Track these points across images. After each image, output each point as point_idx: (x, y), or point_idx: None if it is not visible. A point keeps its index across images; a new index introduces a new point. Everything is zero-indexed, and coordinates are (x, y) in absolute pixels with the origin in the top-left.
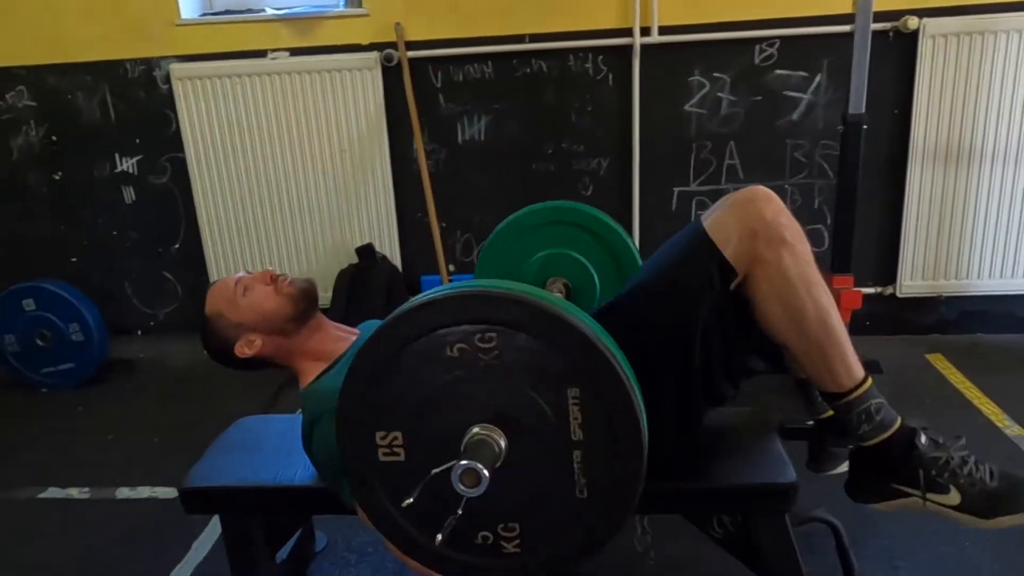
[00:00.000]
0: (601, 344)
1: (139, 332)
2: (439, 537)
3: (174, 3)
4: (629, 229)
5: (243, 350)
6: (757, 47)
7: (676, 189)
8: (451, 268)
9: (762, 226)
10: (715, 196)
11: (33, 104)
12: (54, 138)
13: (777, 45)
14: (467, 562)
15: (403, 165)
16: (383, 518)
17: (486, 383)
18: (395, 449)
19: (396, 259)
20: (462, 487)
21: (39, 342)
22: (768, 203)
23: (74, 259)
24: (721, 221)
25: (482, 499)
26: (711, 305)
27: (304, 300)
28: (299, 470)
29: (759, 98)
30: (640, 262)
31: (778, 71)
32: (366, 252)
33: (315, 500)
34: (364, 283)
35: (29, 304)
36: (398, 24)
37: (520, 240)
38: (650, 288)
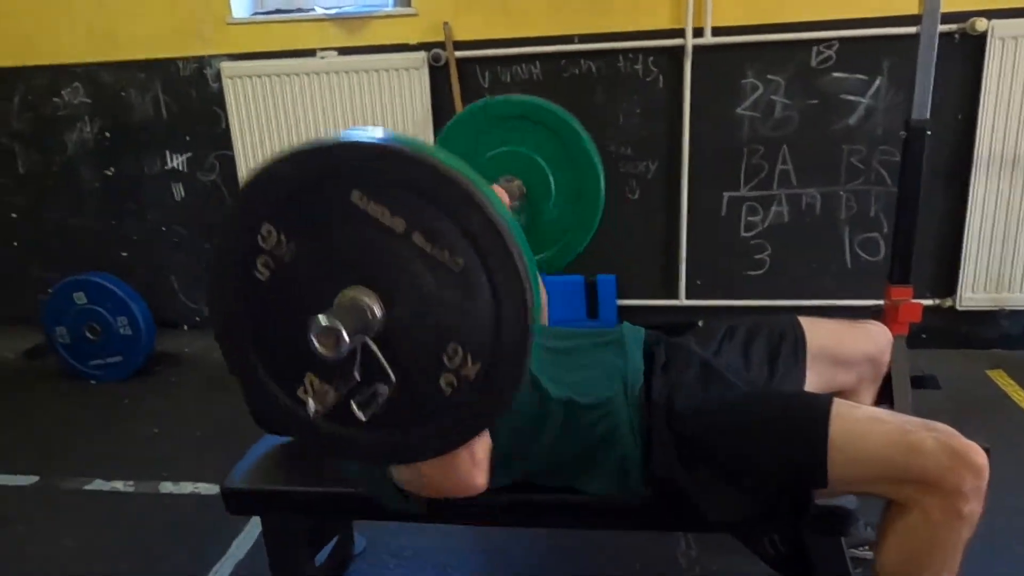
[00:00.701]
0: (496, 217)
1: (185, 327)
2: (311, 406)
3: (226, 2)
4: (676, 234)
5: None
6: (814, 49)
7: (726, 194)
8: None
9: (952, 493)
10: (766, 201)
11: (88, 101)
12: (107, 134)
13: (836, 47)
14: (336, 434)
15: None
16: (248, 374)
17: (370, 246)
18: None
19: None
20: (321, 351)
21: (88, 335)
22: (979, 477)
23: (124, 253)
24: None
25: (347, 365)
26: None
27: None
28: (341, 474)
29: (815, 101)
30: (600, 170)
31: (836, 74)
32: None
33: (357, 505)
34: None
35: (80, 297)
36: (446, 24)
37: (478, 134)
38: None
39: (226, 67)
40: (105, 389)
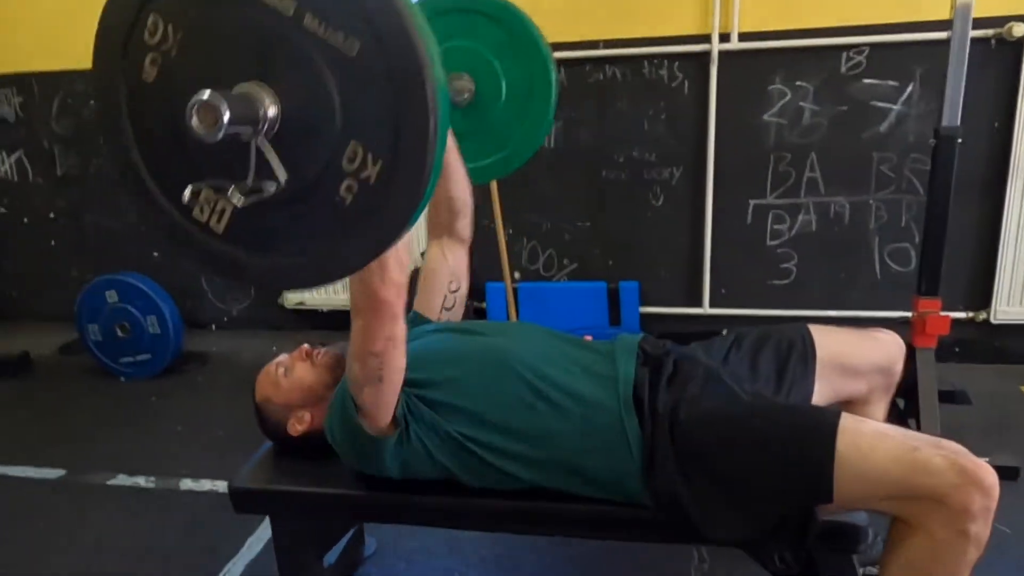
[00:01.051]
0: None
1: (213, 327)
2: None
3: None
4: (701, 242)
5: (295, 427)
6: (844, 54)
7: (752, 201)
8: (516, 275)
9: (959, 512)
10: (793, 209)
11: None
12: None
13: (866, 52)
14: (232, 255)
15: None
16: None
17: (260, 33)
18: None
19: None
20: (197, 125)
21: (119, 333)
22: (988, 497)
23: (156, 254)
24: (895, 457)
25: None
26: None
27: (339, 367)
28: (350, 475)
29: (844, 108)
30: (549, 60)
31: (866, 80)
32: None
33: (364, 507)
34: None
35: (112, 296)
36: None
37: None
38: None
39: None
40: (133, 386)
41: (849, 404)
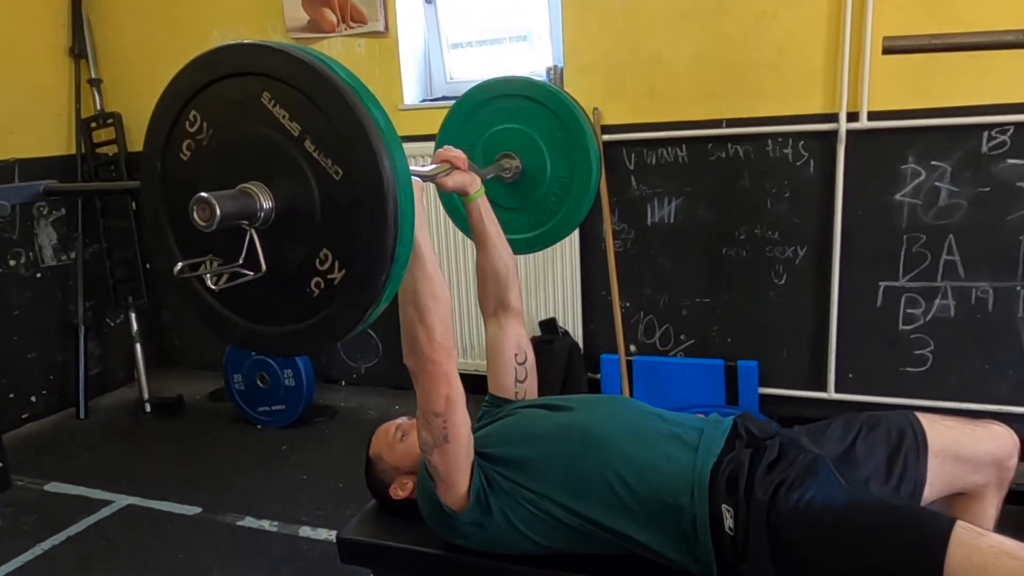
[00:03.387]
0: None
1: (343, 383)
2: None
3: (400, 92)
4: (826, 323)
5: (397, 492)
6: (985, 134)
7: (882, 284)
8: (632, 348)
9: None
10: (929, 293)
11: None
12: None
13: (1010, 132)
14: (224, 316)
15: (591, 243)
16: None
17: (270, 143)
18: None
19: (578, 335)
20: (196, 218)
21: (259, 383)
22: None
23: None
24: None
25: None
26: None
27: None
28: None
29: (986, 189)
30: (592, 142)
31: (1011, 160)
32: (549, 326)
33: (462, 569)
34: (544, 357)
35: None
36: (596, 109)
37: (477, 114)
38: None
39: None
40: (268, 434)
41: (962, 498)
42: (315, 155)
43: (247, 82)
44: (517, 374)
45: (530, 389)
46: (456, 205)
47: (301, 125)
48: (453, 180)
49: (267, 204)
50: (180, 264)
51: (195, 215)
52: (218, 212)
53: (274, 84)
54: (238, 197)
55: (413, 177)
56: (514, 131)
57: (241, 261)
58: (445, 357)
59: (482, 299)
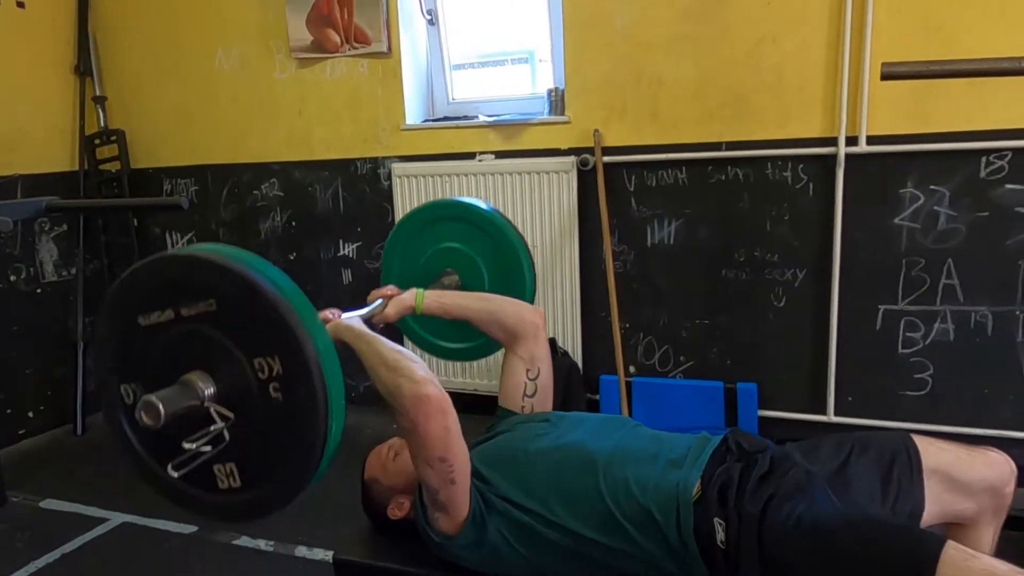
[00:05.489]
0: (289, 314)
1: None
2: (169, 467)
3: (402, 112)
4: (825, 346)
5: (395, 512)
6: (984, 159)
7: (881, 307)
8: (631, 369)
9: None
10: (928, 317)
11: (281, 194)
12: (293, 223)
13: (1009, 157)
14: (190, 494)
15: (591, 264)
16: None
17: (198, 340)
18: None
19: (577, 356)
20: (144, 419)
21: None
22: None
23: None
24: None
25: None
26: None
27: None
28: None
29: (985, 214)
30: (525, 258)
31: (1009, 185)
32: (548, 346)
33: None
34: None
35: None
36: (597, 131)
37: (417, 236)
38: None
39: (396, 167)
40: None
41: (956, 527)
42: (192, 312)
43: (118, 326)
44: (526, 389)
45: (539, 404)
46: (416, 330)
47: (170, 306)
48: (393, 307)
49: (207, 385)
50: (171, 466)
51: (143, 417)
52: (161, 412)
53: (137, 305)
54: (180, 388)
55: (355, 317)
56: (453, 250)
57: (218, 425)
58: (434, 388)
59: (491, 337)
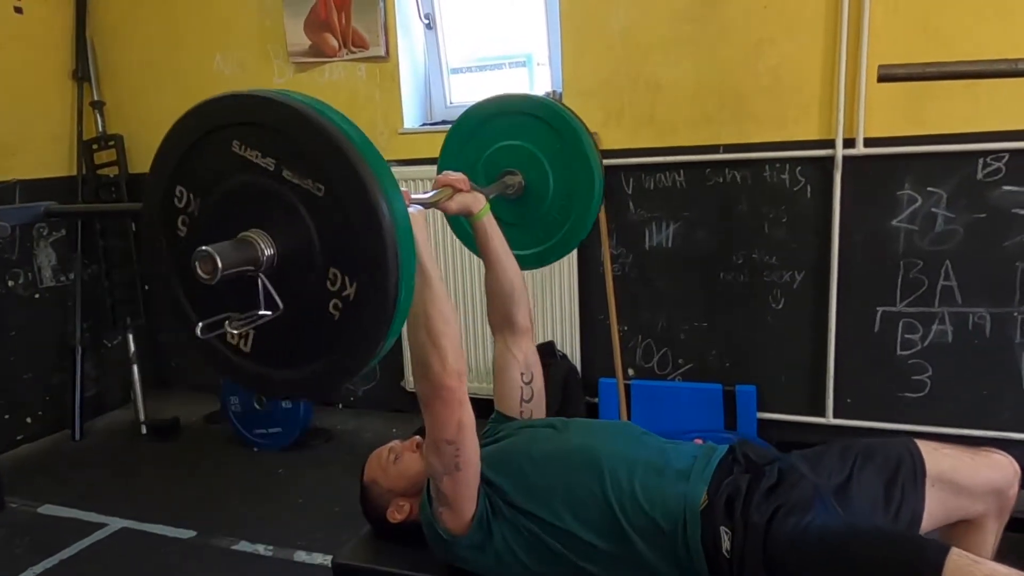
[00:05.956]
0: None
1: (340, 405)
2: (199, 325)
3: (400, 116)
4: (824, 348)
5: (394, 515)
6: (980, 160)
7: (880, 309)
8: (630, 372)
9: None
10: (926, 319)
11: None
12: None
13: (1006, 159)
14: (256, 372)
15: (590, 267)
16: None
17: (253, 187)
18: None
19: (576, 359)
20: (200, 272)
21: (256, 405)
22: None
23: None
24: None
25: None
26: None
27: None
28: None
29: (982, 215)
30: (591, 150)
31: (1006, 187)
32: (547, 349)
33: None
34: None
35: None
36: (595, 134)
37: (477, 133)
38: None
39: (395, 171)
40: (264, 456)
41: (961, 527)
42: (295, 180)
43: (213, 139)
44: (523, 393)
45: (536, 409)
46: (463, 226)
47: (274, 158)
48: (456, 203)
49: (268, 248)
50: (200, 324)
51: (198, 269)
52: (219, 263)
53: (238, 129)
54: (238, 247)
55: (415, 206)
56: (514, 147)
57: (261, 308)
58: (458, 382)
59: (491, 316)
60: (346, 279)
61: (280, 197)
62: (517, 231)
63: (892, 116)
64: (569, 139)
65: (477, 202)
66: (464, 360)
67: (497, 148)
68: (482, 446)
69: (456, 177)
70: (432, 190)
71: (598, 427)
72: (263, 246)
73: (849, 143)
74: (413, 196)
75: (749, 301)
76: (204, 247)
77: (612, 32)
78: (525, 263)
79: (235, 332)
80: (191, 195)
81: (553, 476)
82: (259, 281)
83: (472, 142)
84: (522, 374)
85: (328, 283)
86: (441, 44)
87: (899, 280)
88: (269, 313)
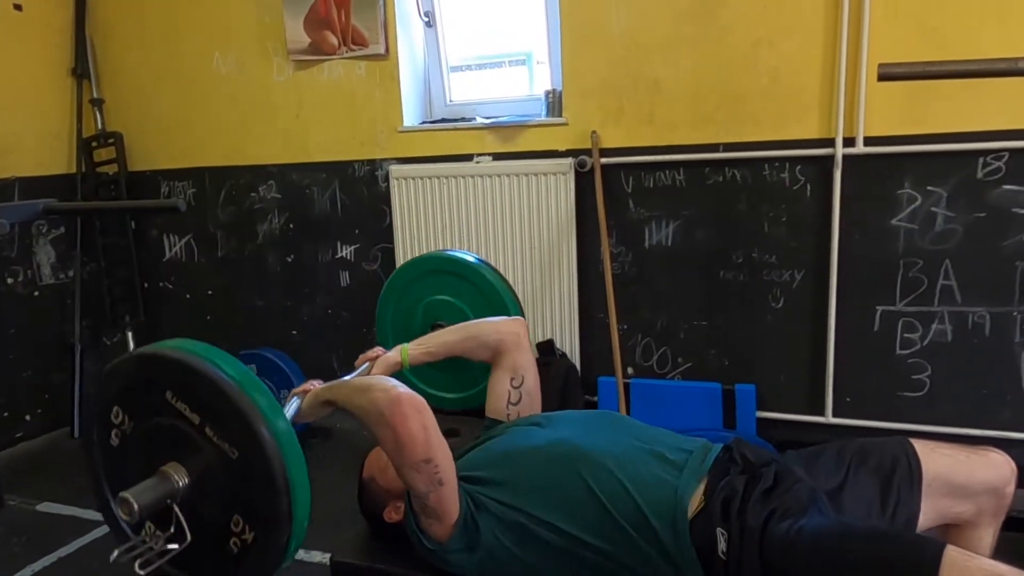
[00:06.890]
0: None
1: None
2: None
3: (399, 114)
4: (823, 347)
5: (391, 515)
6: (981, 160)
7: (880, 308)
8: (629, 371)
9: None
10: (926, 318)
11: (278, 196)
12: (291, 225)
13: (1006, 158)
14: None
15: (589, 266)
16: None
17: (178, 431)
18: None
19: (575, 357)
20: (121, 515)
21: None
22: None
23: (294, 332)
24: None
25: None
26: None
27: None
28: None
29: (982, 215)
30: (512, 304)
31: (1006, 186)
32: (546, 348)
33: None
34: (541, 379)
35: (252, 369)
36: (594, 132)
37: (409, 289)
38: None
39: (394, 169)
40: None
41: (956, 528)
42: (215, 439)
43: (152, 386)
44: (511, 397)
45: (525, 409)
46: (423, 387)
47: (199, 415)
48: (380, 368)
49: (183, 481)
50: (116, 552)
51: (119, 512)
52: (136, 507)
53: (174, 385)
54: (157, 484)
55: (357, 376)
56: (442, 302)
57: (172, 531)
58: (403, 389)
59: (482, 361)
60: (247, 527)
61: (200, 448)
62: (446, 376)
63: (892, 115)
64: (488, 294)
65: (396, 353)
66: (399, 382)
67: (428, 302)
68: (469, 451)
69: (368, 354)
70: (355, 372)
71: (580, 417)
72: (179, 480)
73: (849, 142)
74: (350, 378)
75: (749, 300)
76: (124, 492)
77: (612, 31)
78: (451, 405)
79: (138, 566)
80: (126, 416)
81: (535, 468)
82: (175, 509)
83: (408, 295)
84: (511, 379)
85: (232, 524)
86: (441, 42)
87: (899, 279)
88: (177, 547)
